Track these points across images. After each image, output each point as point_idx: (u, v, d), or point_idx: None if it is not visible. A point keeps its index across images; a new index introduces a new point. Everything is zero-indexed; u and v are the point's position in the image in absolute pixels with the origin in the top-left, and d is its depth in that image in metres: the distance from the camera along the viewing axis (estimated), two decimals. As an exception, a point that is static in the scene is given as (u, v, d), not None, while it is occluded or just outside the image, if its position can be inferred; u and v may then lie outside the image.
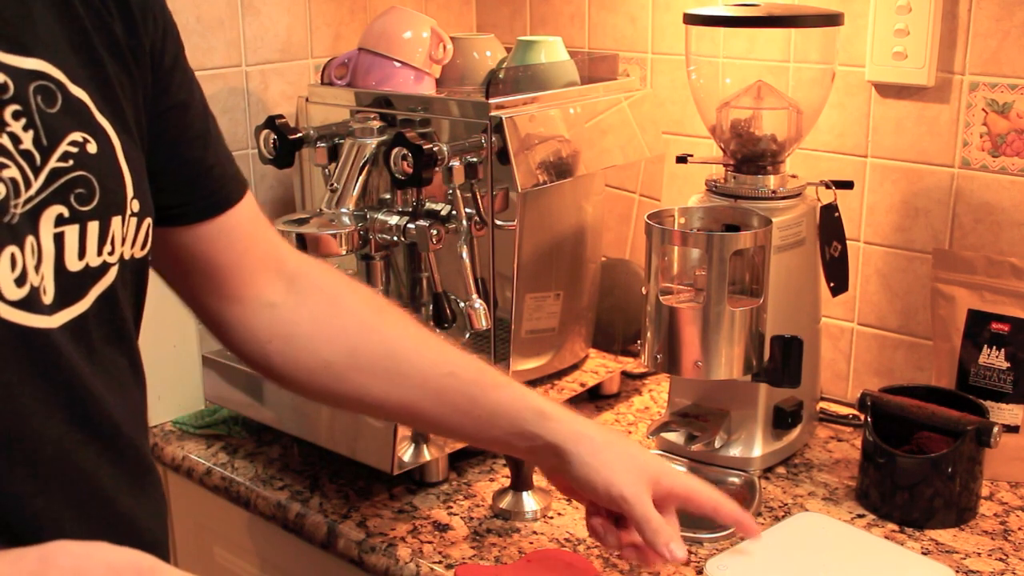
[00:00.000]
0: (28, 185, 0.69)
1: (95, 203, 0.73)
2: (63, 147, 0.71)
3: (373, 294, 1.06)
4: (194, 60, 1.42)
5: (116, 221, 0.74)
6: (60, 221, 0.70)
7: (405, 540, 1.15)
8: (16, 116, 0.69)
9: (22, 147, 0.69)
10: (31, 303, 0.68)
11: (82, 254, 0.72)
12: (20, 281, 0.68)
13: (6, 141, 0.68)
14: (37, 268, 0.69)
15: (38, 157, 0.70)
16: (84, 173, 0.72)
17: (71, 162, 0.71)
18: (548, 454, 0.97)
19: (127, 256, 0.76)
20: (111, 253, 0.74)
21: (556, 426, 0.96)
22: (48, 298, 0.70)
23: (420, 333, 1.00)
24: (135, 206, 0.77)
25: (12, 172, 0.68)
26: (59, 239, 0.70)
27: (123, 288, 0.77)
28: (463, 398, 0.97)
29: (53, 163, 0.70)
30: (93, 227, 0.73)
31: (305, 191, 1.46)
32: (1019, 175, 1.32)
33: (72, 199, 0.71)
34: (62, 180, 0.71)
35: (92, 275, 0.73)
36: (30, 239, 0.68)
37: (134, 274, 0.79)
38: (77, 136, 0.72)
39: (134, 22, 0.79)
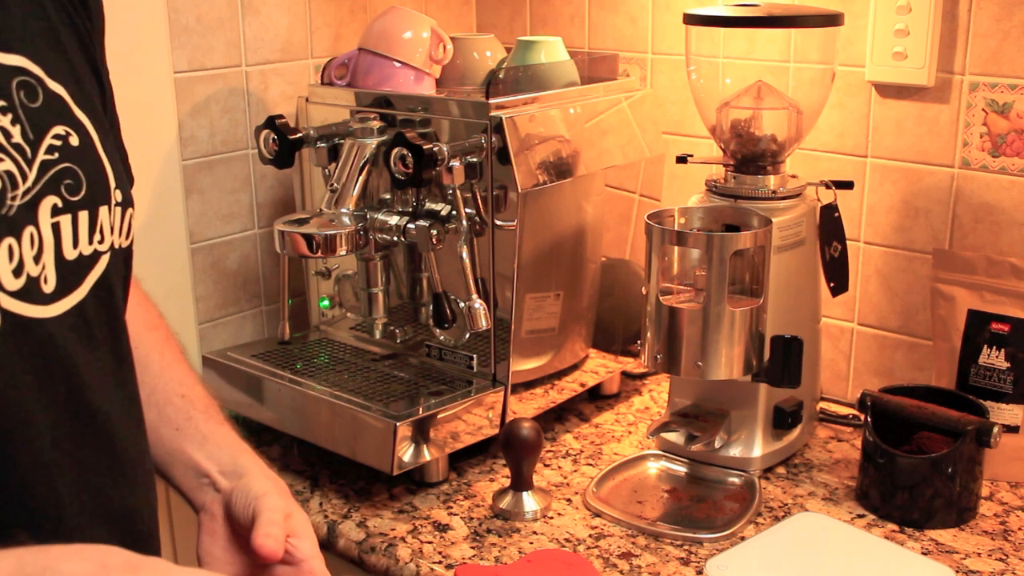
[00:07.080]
0: (24, 178, 0.71)
1: (83, 193, 0.75)
2: (48, 140, 0.73)
3: (153, 308, 1.04)
4: (194, 60, 1.44)
5: (103, 211, 0.77)
6: (55, 211, 0.72)
7: (405, 540, 1.15)
8: (3, 111, 0.70)
9: (13, 141, 0.70)
10: (29, 293, 0.70)
11: (76, 243, 0.74)
12: (17, 272, 0.69)
13: None
14: (37, 258, 0.71)
15: (28, 150, 0.71)
16: (70, 165, 0.74)
17: (56, 155, 0.73)
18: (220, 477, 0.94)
19: (116, 245, 0.78)
20: (101, 242, 0.76)
21: (246, 459, 0.94)
22: (49, 287, 0.72)
23: (175, 355, 1.00)
24: (118, 196, 0.79)
25: (7, 166, 0.70)
26: (56, 229, 0.72)
27: (115, 277, 0.79)
28: (182, 416, 0.96)
29: (41, 156, 0.72)
30: (83, 217, 0.75)
31: (305, 191, 1.46)
32: (1019, 175, 1.32)
33: (63, 190, 0.73)
34: (51, 172, 0.73)
35: (87, 264, 0.75)
36: (29, 230, 0.70)
37: (123, 264, 0.81)
38: (59, 130, 0.74)
39: (91, 16, 0.81)
